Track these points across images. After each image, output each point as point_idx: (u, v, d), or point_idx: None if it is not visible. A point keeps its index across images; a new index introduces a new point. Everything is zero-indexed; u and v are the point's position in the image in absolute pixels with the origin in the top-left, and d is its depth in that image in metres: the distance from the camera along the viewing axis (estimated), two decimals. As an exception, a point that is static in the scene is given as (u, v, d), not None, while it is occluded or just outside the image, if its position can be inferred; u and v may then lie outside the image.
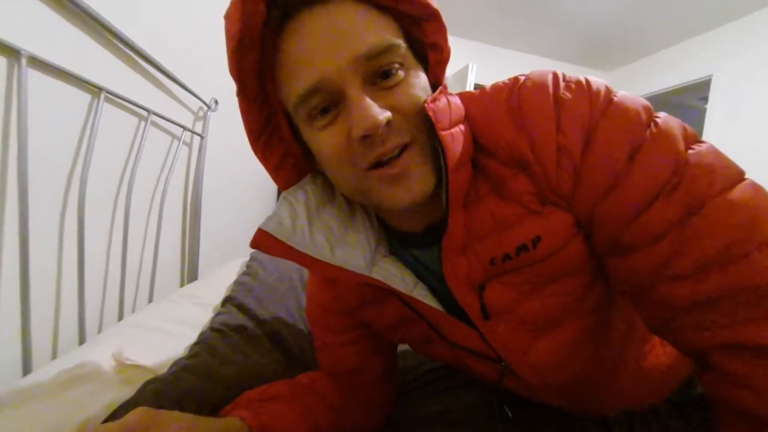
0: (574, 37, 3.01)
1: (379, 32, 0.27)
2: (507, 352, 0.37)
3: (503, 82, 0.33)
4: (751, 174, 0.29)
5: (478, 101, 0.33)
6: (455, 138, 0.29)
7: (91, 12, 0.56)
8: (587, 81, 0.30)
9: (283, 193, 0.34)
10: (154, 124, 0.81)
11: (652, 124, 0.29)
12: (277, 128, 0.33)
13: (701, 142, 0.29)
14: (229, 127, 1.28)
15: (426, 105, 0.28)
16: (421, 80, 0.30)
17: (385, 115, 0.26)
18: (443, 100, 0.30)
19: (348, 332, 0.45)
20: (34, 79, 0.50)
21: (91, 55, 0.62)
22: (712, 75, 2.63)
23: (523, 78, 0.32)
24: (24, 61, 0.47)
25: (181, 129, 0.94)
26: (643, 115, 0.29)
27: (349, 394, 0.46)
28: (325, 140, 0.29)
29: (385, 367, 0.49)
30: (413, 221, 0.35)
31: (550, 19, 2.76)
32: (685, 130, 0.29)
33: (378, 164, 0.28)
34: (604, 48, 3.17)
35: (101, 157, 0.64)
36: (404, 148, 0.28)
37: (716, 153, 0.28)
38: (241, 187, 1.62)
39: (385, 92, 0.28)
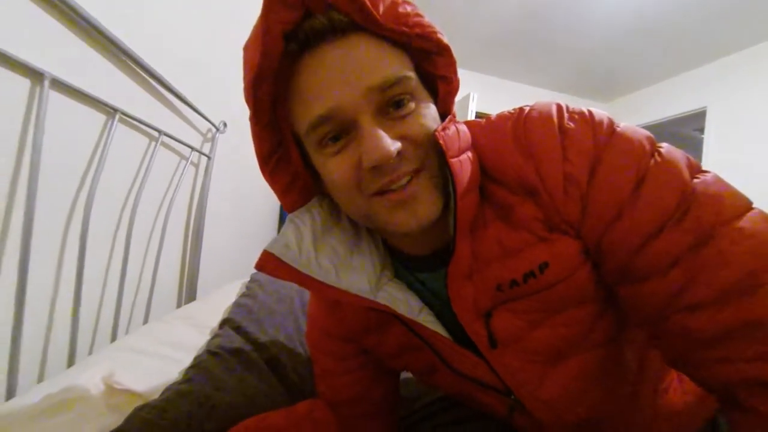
0: (572, 70, 3.15)
1: (393, 65, 0.29)
2: (517, 384, 0.36)
3: (509, 112, 0.34)
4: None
5: (484, 130, 0.34)
6: (463, 165, 0.30)
7: (110, 35, 0.59)
8: (590, 112, 0.31)
9: (290, 216, 0.34)
10: (163, 144, 0.83)
11: (656, 154, 0.29)
12: (287, 152, 0.33)
13: (706, 171, 0.29)
14: (236, 149, 1.31)
15: (437, 133, 0.29)
16: (431, 111, 0.31)
17: (396, 146, 0.27)
18: (452, 129, 0.30)
19: (350, 359, 0.43)
20: (54, 99, 0.52)
21: (107, 76, 0.64)
22: (706, 107, 2.71)
23: (527, 108, 0.33)
24: (47, 83, 0.48)
25: (189, 149, 0.96)
26: (647, 145, 0.29)
27: (349, 426, 0.43)
28: (334, 167, 0.29)
29: (387, 398, 0.46)
30: (420, 245, 0.35)
31: (549, 53, 2.90)
32: (688, 160, 0.30)
33: (384, 191, 0.29)
34: (601, 81, 3.30)
35: (110, 176, 0.65)
36: (413, 175, 0.29)
37: (722, 182, 0.29)
38: (245, 209, 1.63)
39: (396, 122, 0.29)
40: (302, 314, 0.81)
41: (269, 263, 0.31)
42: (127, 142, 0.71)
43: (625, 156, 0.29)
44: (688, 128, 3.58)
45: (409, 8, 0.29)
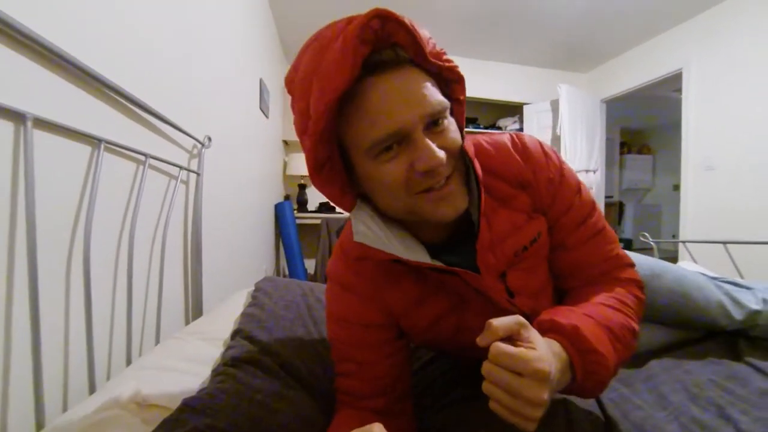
0: (550, 44, 3.15)
1: (437, 96, 0.38)
2: (530, 309, 0.51)
3: (500, 137, 0.50)
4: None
5: (491, 145, 0.50)
6: (477, 165, 0.43)
7: (85, 67, 0.59)
8: (548, 145, 0.52)
9: (353, 214, 0.44)
10: (151, 166, 0.84)
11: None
12: (335, 160, 0.40)
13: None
14: (223, 162, 1.31)
15: (464, 146, 0.42)
16: (455, 127, 0.41)
17: (443, 154, 0.37)
18: (468, 141, 0.44)
19: (389, 344, 0.51)
20: (39, 138, 0.53)
21: (88, 108, 0.65)
22: (681, 68, 2.74)
23: (514, 135, 0.50)
24: (29, 123, 0.49)
25: (178, 168, 0.97)
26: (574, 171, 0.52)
27: (390, 412, 0.49)
28: (389, 171, 0.38)
29: (410, 378, 0.55)
30: (442, 233, 0.47)
31: (527, 31, 2.90)
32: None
33: (427, 190, 0.38)
34: (580, 52, 3.31)
35: (104, 205, 0.66)
36: (448, 177, 0.39)
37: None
38: (239, 220, 1.64)
39: (436, 135, 0.38)
40: (309, 318, 0.83)
41: (361, 249, 0.43)
42: (115, 170, 0.72)
43: (571, 173, 0.51)
44: (667, 90, 3.63)
45: (439, 47, 0.39)
